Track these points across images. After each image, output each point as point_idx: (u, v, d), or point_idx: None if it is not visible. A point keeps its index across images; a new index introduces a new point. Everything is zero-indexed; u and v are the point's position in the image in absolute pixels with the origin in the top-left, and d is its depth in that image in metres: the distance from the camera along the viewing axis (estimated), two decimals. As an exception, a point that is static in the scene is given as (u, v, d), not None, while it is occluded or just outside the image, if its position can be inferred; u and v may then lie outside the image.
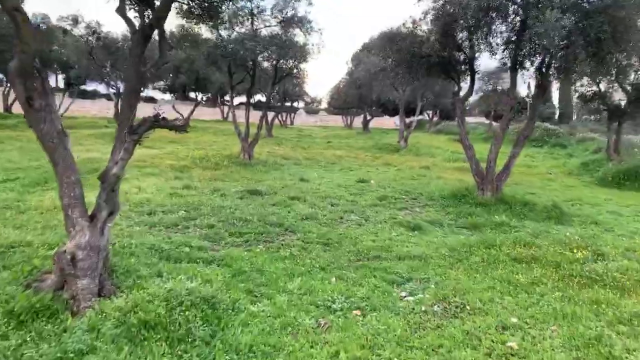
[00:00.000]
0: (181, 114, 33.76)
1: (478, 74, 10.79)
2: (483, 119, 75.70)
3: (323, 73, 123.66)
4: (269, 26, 14.28)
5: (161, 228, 7.30)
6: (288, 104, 43.27)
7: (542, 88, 10.11)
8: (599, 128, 47.14)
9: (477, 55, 10.60)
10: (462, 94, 11.50)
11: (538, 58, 9.81)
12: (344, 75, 40.13)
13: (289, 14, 14.30)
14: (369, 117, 43.05)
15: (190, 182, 11.06)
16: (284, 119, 43.61)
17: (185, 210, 8.42)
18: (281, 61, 15.94)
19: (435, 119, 51.00)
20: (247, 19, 14.25)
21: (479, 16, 9.27)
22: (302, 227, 7.75)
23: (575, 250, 6.43)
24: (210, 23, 13.56)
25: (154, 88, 35.04)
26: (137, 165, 13.09)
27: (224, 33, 14.75)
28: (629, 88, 16.18)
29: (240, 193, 10.15)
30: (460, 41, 10.74)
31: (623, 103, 16.44)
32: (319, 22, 16.49)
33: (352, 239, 7.28)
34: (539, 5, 8.33)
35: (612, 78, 16.41)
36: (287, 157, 17.79)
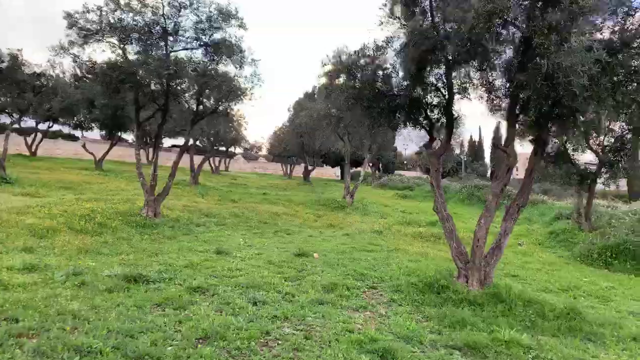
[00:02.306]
0: (92, 154, 29.26)
1: (457, 122, 8.22)
2: (420, 174, 76.66)
3: (267, 116, 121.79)
4: (188, 49, 11.17)
5: None
6: (223, 148, 39.75)
7: (543, 143, 7.66)
8: (535, 188, 47.52)
9: (457, 97, 8.06)
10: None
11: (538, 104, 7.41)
12: (284, 122, 37.74)
13: (215, 38, 11.32)
14: (310, 167, 40.49)
15: (41, 259, 7.28)
16: (216, 164, 39.95)
17: (-14, 325, 4.73)
18: (207, 96, 12.84)
19: (377, 172, 49.67)
20: (160, 39, 11.08)
21: (468, 45, 6.80)
22: (194, 366, 4.32)
23: None
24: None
25: (64, 123, 30.42)
26: (-22, 224, 9.08)
27: (133, 57, 11.45)
28: (598, 149, 14.63)
29: (112, 280, 6.53)
30: (435, 79, 8.22)
31: (591, 166, 14.85)
32: (256, 53, 13.72)
33: (281, 396, 3.96)
34: (561, 30, 5.91)
35: (579, 137, 14.83)
36: (208, 214, 14.25)
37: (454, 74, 7.94)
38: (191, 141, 27.37)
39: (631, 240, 11.78)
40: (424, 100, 8.41)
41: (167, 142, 62.25)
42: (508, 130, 7.21)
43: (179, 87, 11.46)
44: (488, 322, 6.27)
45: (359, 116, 8.77)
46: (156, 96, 11.57)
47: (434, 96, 8.47)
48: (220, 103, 12.67)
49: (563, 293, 8.70)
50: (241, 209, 16.01)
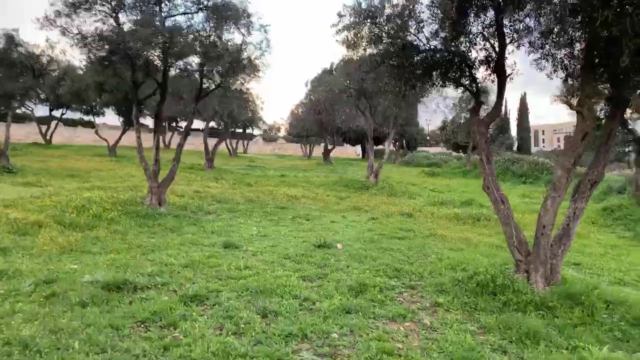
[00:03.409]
0: (106, 140, 28.42)
1: (510, 79, 6.61)
2: (444, 150, 74.14)
3: (281, 91, 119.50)
4: (187, 13, 9.73)
5: None
6: (241, 130, 38.55)
7: (623, 103, 6.02)
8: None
9: (510, 49, 6.46)
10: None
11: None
12: (301, 99, 36.19)
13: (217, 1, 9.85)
14: (330, 146, 38.97)
15: (13, 262, 6.13)
16: (234, 146, 38.80)
17: None
18: (211, 69, 11.45)
19: (400, 149, 47.85)
20: (155, 4, 9.68)
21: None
22: None
23: None
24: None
25: (77, 109, 29.63)
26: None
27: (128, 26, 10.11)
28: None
29: (91, 289, 5.29)
30: (482, 26, 6.60)
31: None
32: (265, 18, 11.93)
33: None
34: None
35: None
36: (220, 199, 13.03)
37: (506, 19, 6.34)
38: (202, 123, 26.19)
39: None
40: (467, 55, 6.82)
41: (184, 125, 61.63)
42: (582, 85, 5.58)
43: (177, 59, 10.08)
44: (567, 335, 4.81)
45: (386, 79, 7.24)
46: (152, 70, 10.24)
47: (481, 49, 6.87)
48: (226, 76, 11.25)
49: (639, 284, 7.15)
50: (257, 193, 14.74)
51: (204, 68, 10.88)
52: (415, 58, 6.92)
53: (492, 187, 6.44)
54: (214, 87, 11.55)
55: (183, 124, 57.15)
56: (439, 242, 9.28)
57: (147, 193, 11.13)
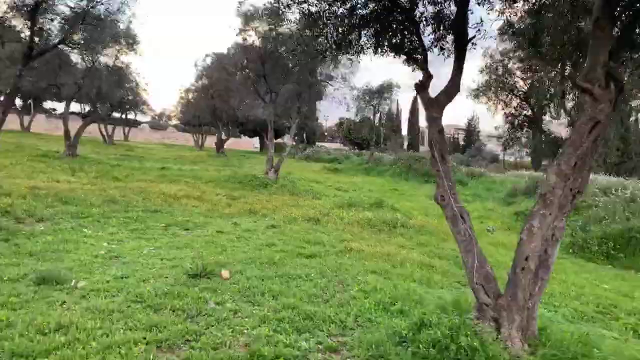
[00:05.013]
0: None
1: (473, 47, 4.69)
2: (341, 146, 74.57)
3: (182, 81, 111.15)
4: None
5: None
6: (120, 115, 33.42)
7: (620, 86, 4.42)
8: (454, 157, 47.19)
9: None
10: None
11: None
12: (192, 82, 32.45)
13: None
14: (224, 137, 35.67)
15: None
16: (109, 133, 33.49)
17: None
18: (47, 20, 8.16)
19: (300, 143, 46.23)
20: None
21: None
22: None
23: None
24: None
25: None
26: None
27: None
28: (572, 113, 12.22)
29: None
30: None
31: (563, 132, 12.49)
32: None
33: None
34: None
35: (548, 101, 12.45)
36: (67, 200, 9.66)
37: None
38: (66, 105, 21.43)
39: (638, 227, 9.43)
40: (414, 7, 4.77)
41: (58, 106, 53.34)
42: (594, 50, 3.79)
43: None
44: None
45: (300, 30, 4.92)
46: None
47: (429, 2, 4.86)
48: (69, 31, 8.04)
49: (606, 319, 5.79)
50: (123, 191, 11.49)
51: (34, 17, 7.55)
52: (342, 5, 4.72)
53: (449, 198, 4.46)
54: (51, 44, 8.22)
55: (50, 104, 49.32)
56: (356, 260, 7.24)
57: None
